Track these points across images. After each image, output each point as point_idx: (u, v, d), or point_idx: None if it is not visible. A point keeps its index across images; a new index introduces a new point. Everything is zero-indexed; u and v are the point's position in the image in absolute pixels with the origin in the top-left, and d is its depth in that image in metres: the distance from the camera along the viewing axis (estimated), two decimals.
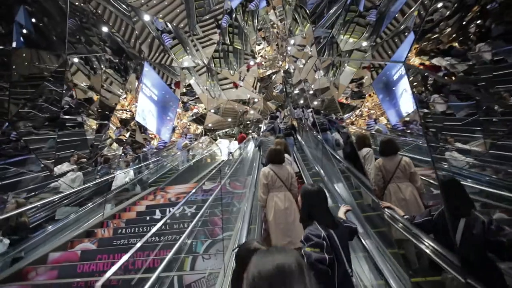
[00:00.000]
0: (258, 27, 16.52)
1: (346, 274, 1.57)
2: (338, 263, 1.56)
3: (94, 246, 4.02)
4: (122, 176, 6.53)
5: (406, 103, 9.17)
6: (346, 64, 10.99)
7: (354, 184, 3.59)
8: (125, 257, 2.21)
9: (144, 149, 10.60)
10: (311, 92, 15.05)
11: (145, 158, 8.77)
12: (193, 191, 4.25)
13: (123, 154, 10.36)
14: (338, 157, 4.16)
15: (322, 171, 4.65)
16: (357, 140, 4.04)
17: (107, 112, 10.31)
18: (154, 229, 2.80)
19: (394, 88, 9.33)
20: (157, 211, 5.12)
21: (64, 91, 8.76)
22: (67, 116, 8.90)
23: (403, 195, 2.81)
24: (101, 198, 5.37)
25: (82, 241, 4.12)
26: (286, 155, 3.87)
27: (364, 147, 3.72)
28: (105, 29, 8.72)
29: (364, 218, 2.99)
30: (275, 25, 16.24)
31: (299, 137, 8.89)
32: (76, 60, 10.08)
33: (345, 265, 1.57)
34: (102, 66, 9.26)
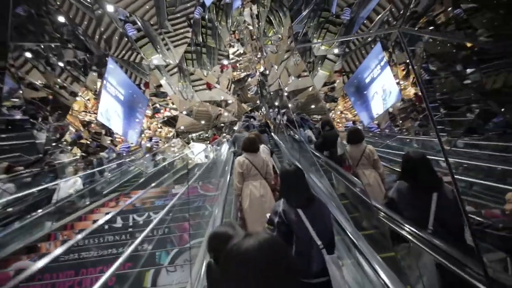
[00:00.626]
0: (232, 29, 16.27)
1: (311, 247, 1.65)
2: (296, 237, 1.67)
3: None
4: (67, 187, 5.48)
5: (377, 105, 9.29)
6: (319, 68, 11.07)
7: (332, 176, 3.61)
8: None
9: (102, 154, 9.52)
10: (285, 94, 15.09)
11: (100, 164, 7.75)
12: (136, 197, 3.76)
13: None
14: (316, 152, 4.10)
15: (299, 165, 4.49)
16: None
17: (64, 113, 9.36)
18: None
19: (365, 92, 9.45)
20: (119, 219, 4.52)
21: (13, 89, 7.76)
22: (18, 117, 7.88)
23: (368, 180, 3.02)
24: (36, 215, 4.47)
25: (20, 258, 3.44)
26: (261, 146, 3.68)
27: None
28: (62, 19, 7.87)
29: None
30: (249, 26, 16.08)
31: (273, 135, 8.80)
32: (29, 55, 9.05)
33: (311, 238, 1.65)
34: (58, 61, 8.36)
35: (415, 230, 1.84)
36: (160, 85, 14.42)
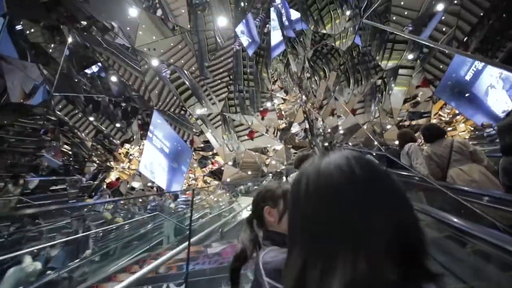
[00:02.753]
0: (274, 78, 16.34)
1: None
2: None
3: None
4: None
5: (499, 101, 6.86)
6: (392, 85, 9.52)
7: None
8: None
9: (106, 213, 7.08)
10: (341, 132, 13.61)
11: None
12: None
13: None
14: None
15: None
16: (398, 138, 3.83)
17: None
18: None
19: (470, 91, 7.22)
20: None
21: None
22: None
23: (471, 177, 2.54)
24: None
25: None
26: None
27: (406, 143, 3.41)
28: (114, 79, 8.37)
29: None
30: (292, 72, 15.96)
31: None
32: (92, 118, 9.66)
33: None
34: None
35: None
36: (208, 141, 14.35)
